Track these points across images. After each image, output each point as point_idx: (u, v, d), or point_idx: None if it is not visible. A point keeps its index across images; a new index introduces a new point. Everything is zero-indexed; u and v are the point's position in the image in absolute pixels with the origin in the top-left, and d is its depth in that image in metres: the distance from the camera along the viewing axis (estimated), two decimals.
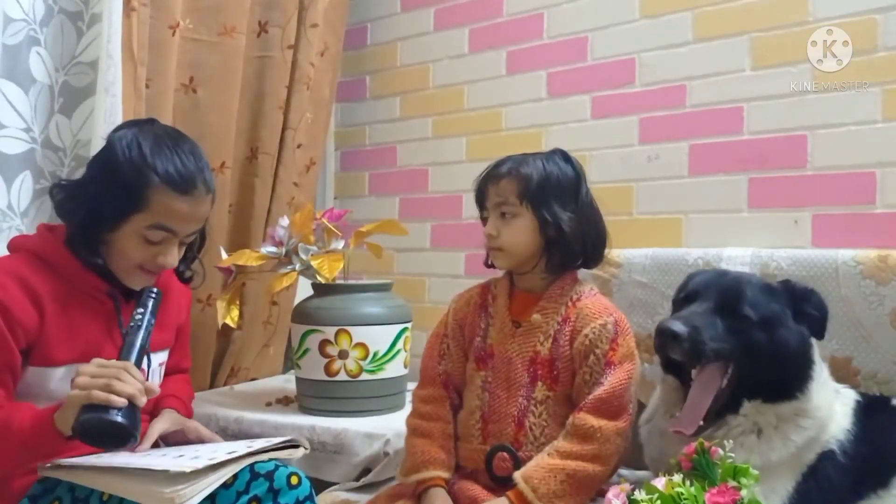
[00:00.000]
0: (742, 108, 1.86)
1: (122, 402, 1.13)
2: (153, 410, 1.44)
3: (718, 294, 1.29)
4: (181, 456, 1.21)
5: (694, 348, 1.22)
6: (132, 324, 1.28)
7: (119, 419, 1.13)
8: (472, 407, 1.38)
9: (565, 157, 1.39)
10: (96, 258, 1.30)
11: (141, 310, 1.30)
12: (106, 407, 1.12)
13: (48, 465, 1.20)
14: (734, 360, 1.26)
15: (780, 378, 1.27)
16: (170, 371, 1.53)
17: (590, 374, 1.30)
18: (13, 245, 1.36)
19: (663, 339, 1.23)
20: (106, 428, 1.13)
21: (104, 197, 1.28)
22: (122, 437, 1.15)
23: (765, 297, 1.29)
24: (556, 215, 1.33)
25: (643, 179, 2.00)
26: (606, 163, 2.05)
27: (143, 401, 1.16)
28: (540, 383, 1.33)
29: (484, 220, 1.41)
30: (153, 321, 1.31)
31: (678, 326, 1.22)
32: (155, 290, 1.34)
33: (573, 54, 2.14)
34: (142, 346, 1.25)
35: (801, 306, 1.30)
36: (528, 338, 1.35)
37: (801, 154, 1.78)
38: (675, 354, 1.25)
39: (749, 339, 1.25)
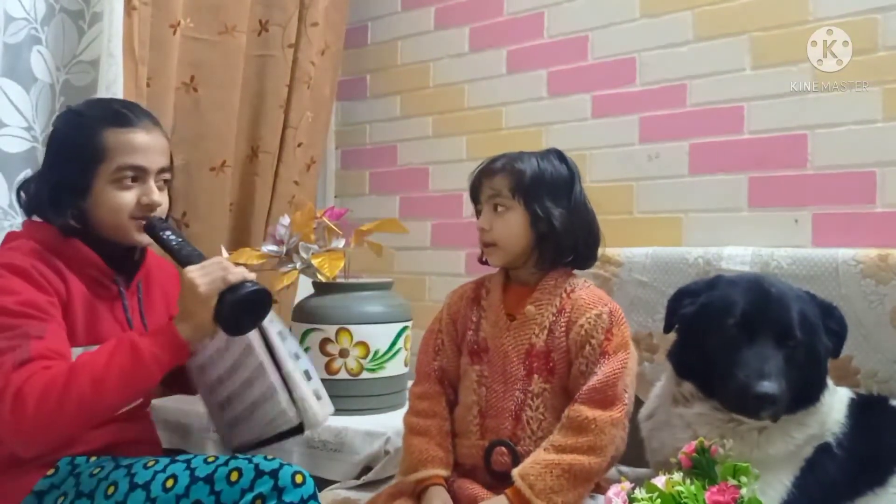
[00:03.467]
0: (742, 108, 1.86)
1: (252, 274, 1.23)
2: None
3: (773, 324, 1.25)
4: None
5: (780, 410, 1.21)
6: (174, 244, 1.31)
7: (262, 286, 1.22)
8: (469, 402, 1.38)
9: (560, 156, 1.40)
10: (72, 220, 1.31)
11: (167, 232, 1.32)
12: (242, 283, 1.21)
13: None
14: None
15: (808, 390, 1.28)
16: None
17: (585, 364, 1.30)
18: (12, 237, 1.36)
19: (762, 403, 1.19)
20: (257, 299, 1.22)
21: (64, 168, 1.32)
22: (268, 304, 1.25)
23: (806, 309, 1.28)
24: (547, 211, 1.33)
25: (643, 178, 2.00)
26: (607, 162, 2.06)
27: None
28: (536, 376, 1.33)
29: (478, 215, 1.42)
30: (182, 234, 1.35)
31: (773, 388, 1.18)
32: (156, 216, 1.35)
33: (573, 53, 2.14)
34: (199, 251, 1.30)
35: (826, 321, 1.30)
36: (522, 330, 1.36)
37: (801, 153, 1.78)
38: (766, 415, 1.21)
39: (795, 362, 1.24)
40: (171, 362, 1.23)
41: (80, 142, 1.31)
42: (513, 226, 1.35)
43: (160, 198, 1.35)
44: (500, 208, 1.36)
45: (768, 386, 1.18)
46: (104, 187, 1.31)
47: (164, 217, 1.37)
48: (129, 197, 1.32)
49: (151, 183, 1.34)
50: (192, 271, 1.21)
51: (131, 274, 1.41)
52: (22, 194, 1.37)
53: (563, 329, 1.33)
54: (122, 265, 1.39)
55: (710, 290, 1.36)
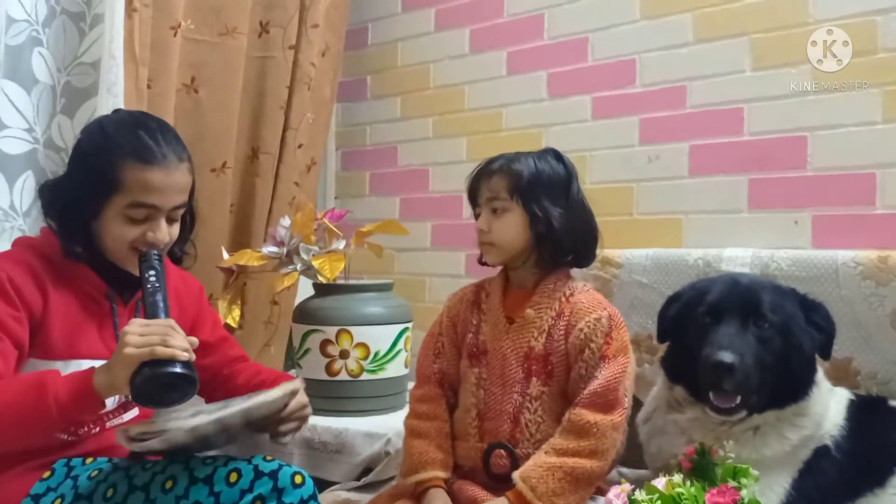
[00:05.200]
0: (742, 109, 1.86)
1: (186, 355, 1.14)
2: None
3: (740, 307, 1.28)
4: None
5: (745, 381, 1.22)
6: (148, 286, 1.26)
7: (188, 371, 1.14)
8: (468, 405, 1.39)
9: (557, 155, 1.41)
10: (77, 246, 1.30)
11: (152, 271, 1.28)
12: (168, 361, 1.12)
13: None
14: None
15: (791, 382, 1.28)
16: (229, 362, 1.52)
17: (585, 368, 1.31)
18: (18, 242, 1.37)
19: (719, 372, 1.21)
20: (173, 382, 1.13)
21: (80, 186, 1.29)
22: (188, 390, 1.16)
23: (780, 298, 1.30)
24: (545, 211, 1.34)
25: (643, 180, 2.00)
26: (607, 163, 2.06)
27: (193, 354, 1.17)
28: (534, 379, 1.34)
29: (477, 216, 1.42)
30: (164, 280, 1.29)
31: (728, 357, 1.20)
32: (155, 251, 1.31)
33: (574, 55, 2.14)
34: (167, 304, 1.25)
35: (810, 315, 1.31)
36: (521, 333, 1.36)
37: (801, 155, 1.78)
38: (728, 386, 1.23)
39: (769, 345, 1.26)
40: (77, 411, 1.16)
41: (98, 167, 1.28)
42: (511, 227, 1.36)
43: (164, 235, 1.32)
44: (498, 210, 1.37)
45: (725, 354, 1.21)
46: (114, 217, 1.29)
47: (161, 252, 1.32)
48: (135, 232, 1.30)
49: (161, 221, 1.32)
50: (133, 326, 1.15)
51: (133, 291, 1.38)
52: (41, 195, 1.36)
53: (562, 333, 1.34)
54: (123, 282, 1.36)
55: (689, 291, 1.40)
